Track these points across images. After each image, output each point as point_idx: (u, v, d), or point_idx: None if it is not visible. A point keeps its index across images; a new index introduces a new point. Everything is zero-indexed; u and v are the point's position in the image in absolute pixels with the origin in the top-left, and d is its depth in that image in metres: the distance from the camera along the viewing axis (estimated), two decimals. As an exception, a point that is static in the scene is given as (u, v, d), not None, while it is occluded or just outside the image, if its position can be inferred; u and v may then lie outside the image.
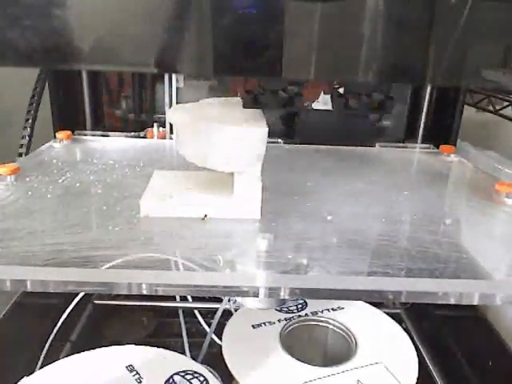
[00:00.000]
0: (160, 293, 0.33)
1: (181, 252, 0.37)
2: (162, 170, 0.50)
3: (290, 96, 0.40)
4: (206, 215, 0.42)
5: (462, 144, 0.77)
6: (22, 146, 0.63)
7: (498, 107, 0.80)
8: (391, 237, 0.40)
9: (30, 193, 0.46)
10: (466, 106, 0.76)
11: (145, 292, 0.33)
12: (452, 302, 0.33)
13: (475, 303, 0.34)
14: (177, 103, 0.69)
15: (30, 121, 0.64)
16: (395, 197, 0.49)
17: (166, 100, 0.70)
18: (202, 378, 0.43)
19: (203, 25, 0.30)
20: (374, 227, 0.42)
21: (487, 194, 0.51)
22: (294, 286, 0.33)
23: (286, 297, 0.33)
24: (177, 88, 0.71)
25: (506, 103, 0.78)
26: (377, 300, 0.34)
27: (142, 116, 0.79)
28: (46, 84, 0.69)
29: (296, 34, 0.30)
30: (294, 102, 0.41)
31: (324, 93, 0.49)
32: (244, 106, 0.41)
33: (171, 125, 0.66)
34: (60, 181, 0.49)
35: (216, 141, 0.40)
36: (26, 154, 0.63)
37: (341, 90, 0.44)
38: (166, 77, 0.69)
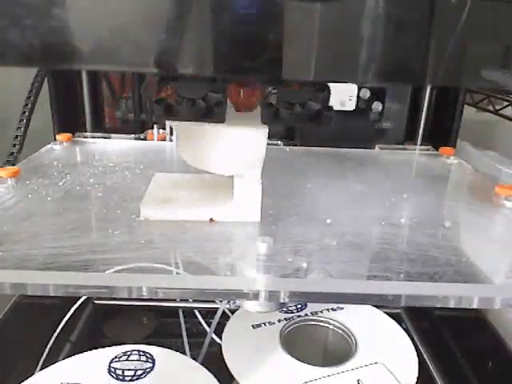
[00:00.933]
0: (160, 296, 0.33)
1: (180, 255, 0.37)
2: (162, 173, 0.50)
3: (210, 105, 0.37)
4: (211, 219, 0.42)
5: (462, 144, 0.77)
6: (14, 145, 0.63)
7: (497, 107, 0.80)
8: (391, 240, 0.40)
9: (30, 196, 0.46)
10: (466, 106, 0.76)
11: (145, 295, 0.33)
12: (451, 305, 0.33)
13: (475, 307, 0.34)
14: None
15: (24, 121, 0.64)
16: (394, 199, 0.49)
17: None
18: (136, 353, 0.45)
19: (203, 25, 0.30)
20: (374, 230, 0.42)
21: (487, 196, 0.51)
22: (293, 290, 0.33)
23: (286, 300, 0.33)
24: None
25: (505, 103, 0.78)
26: (377, 303, 0.34)
27: (142, 116, 0.79)
28: (46, 86, 0.69)
29: (296, 34, 0.30)
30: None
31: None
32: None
33: (171, 126, 0.66)
34: (60, 183, 0.49)
35: (215, 142, 0.40)
36: (19, 153, 0.62)
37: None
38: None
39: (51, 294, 0.33)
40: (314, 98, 0.37)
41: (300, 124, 0.41)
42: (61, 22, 0.29)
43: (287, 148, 0.67)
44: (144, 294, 0.33)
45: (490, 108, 0.81)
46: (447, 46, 0.30)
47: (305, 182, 0.52)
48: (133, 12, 0.30)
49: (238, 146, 0.40)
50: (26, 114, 0.64)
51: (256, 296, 0.33)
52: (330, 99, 0.37)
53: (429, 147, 0.70)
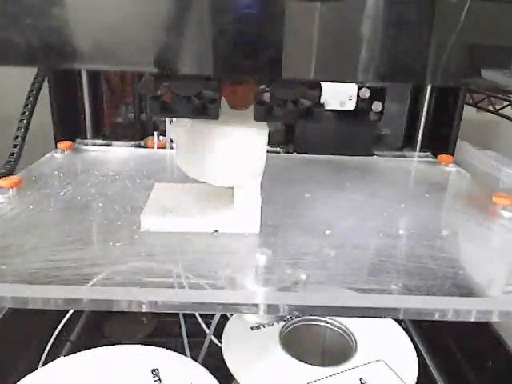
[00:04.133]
0: (160, 310, 0.33)
1: (181, 268, 0.37)
2: (162, 183, 0.50)
3: (204, 102, 0.37)
4: (216, 231, 0.42)
5: (462, 144, 0.76)
6: (15, 146, 0.62)
7: (497, 107, 0.79)
8: (389, 252, 0.40)
9: (31, 207, 0.46)
10: (465, 106, 0.76)
11: (145, 309, 0.33)
12: (449, 319, 0.33)
13: (472, 320, 0.34)
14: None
15: (24, 121, 0.63)
16: (393, 210, 0.49)
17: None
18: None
19: (203, 25, 0.30)
20: (372, 242, 0.42)
21: (484, 206, 0.51)
22: (292, 303, 0.33)
23: (285, 313, 0.34)
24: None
25: (506, 103, 0.78)
26: (375, 316, 0.35)
27: (142, 116, 0.79)
28: (47, 89, 0.69)
29: (296, 34, 0.30)
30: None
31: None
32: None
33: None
34: (61, 194, 0.49)
35: (214, 146, 0.39)
36: (17, 159, 0.62)
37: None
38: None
39: (53, 308, 0.33)
40: (306, 95, 0.37)
41: (292, 121, 0.41)
42: (60, 21, 0.29)
43: (286, 156, 0.67)
44: (144, 307, 0.33)
45: (490, 108, 0.81)
46: (447, 46, 0.30)
47: (304, 192, 0.52)
48: (133, 11, 0.29)
49: (238, 147, 0.39)
50: (27, 113, 0.63)
51: (255, 309, 0.34)
52: (330, 99, 0.37)
53: (427, 154, 0.70)
